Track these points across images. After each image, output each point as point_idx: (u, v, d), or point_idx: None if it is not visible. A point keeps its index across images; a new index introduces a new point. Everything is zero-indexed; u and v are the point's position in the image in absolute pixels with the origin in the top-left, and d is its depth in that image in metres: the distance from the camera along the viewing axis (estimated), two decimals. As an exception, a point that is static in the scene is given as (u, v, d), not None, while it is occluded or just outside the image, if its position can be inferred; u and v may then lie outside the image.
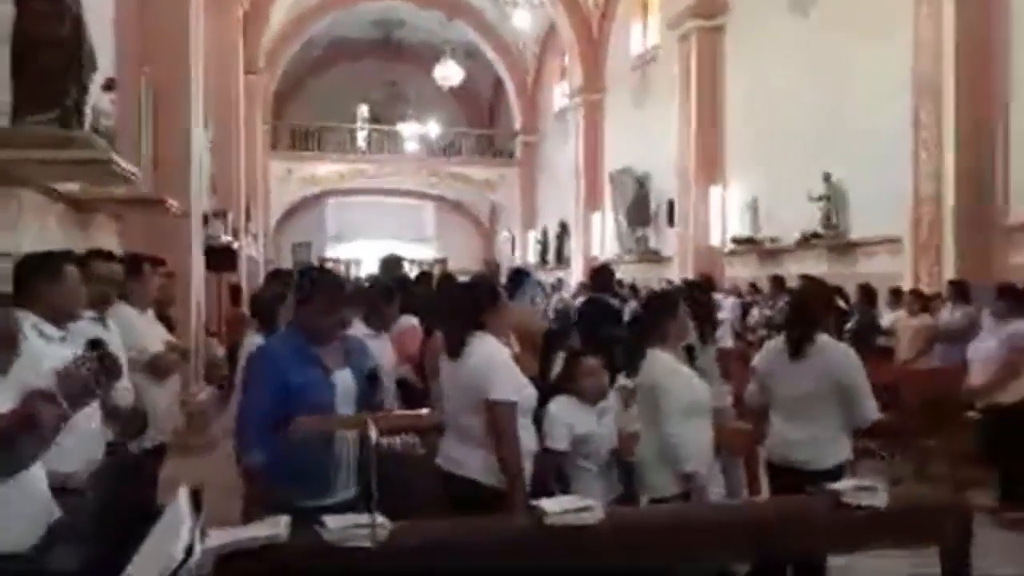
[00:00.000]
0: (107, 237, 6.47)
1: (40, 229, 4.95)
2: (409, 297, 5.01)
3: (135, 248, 6.13)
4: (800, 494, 3.06)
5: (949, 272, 8.16)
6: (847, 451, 3.55)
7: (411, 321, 4.79)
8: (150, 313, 4.28)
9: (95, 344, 2.04)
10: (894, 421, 6.73)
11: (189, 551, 0.91)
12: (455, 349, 3.06)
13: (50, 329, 2.76)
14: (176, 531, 0.95)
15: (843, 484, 2.97)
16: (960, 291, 7.44)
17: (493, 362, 2.99)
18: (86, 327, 3.16)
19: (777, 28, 11.85)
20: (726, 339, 5.27)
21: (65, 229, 5.48)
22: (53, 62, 3.84)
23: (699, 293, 5.37)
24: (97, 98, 4.61)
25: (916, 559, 3.08)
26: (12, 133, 4.01)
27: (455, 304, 3.21)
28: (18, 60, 3.84)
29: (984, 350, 5.52)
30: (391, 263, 6.19)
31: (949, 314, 7.50)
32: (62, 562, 2.05)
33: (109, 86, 4.98)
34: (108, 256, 3.88)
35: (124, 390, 3.11)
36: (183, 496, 1.05)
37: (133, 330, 3.80)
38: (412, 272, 9.48)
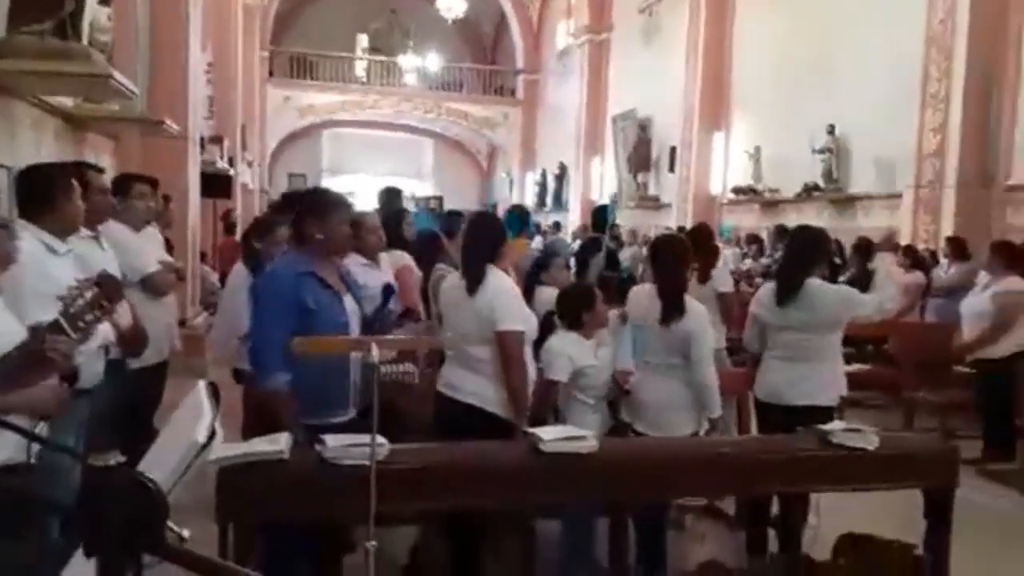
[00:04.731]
0: (102, 156, 6.38)
1: (36, 144, 4.88)
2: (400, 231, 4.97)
3: (131, 169, 6.07)
4: (789, 433, 3.12)
5: (948, 229, 8.17)
6: (840, 389, 3.63)
7: (407, 259, 4.73)
8: (149, 231, 4.25)
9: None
10: (885, 373, 6.86)
11: (211, 435, 0.92)
12: (474, 284, 3.07)
13: (57, 244, 2.73)
14: (197, 416, 0.96)
15: (832, 425, 3.03)
16: (957, 248, 7.47)
17: (506, 295, 3.06)
18: (83, 244, 3.14)
19: (791, -27, 11.57)
20: (727, 284, 5.30)
21: (61, 145, 5.40)
22: (50, -32, 3.72)
23: (700, 236, 5.38)
24: (94, 12, 4.48)
25: (901, 498, 3.15)
26: (6, 43, 3.92)
27: (476, 240, 3.19)
28: (14, -35, 3.72)
29: (976, 305, 5.56)
30: (391, 195, 6.11)
31: (945, 271, 7.55)
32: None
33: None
34: (98, 170, 3.84)
35: (122, 309, 3.10)
36: (201, 387, 1.05)
37: (126, 248, 3.77)
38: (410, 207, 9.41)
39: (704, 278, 4.90)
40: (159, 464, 0.90)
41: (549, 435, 2.69)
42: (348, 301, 2.85)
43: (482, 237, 3.19)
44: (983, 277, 5.82)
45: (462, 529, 2.97)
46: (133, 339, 3.20)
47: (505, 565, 3.13)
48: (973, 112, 8.14)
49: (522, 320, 3.06)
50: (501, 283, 3.09)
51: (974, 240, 7.36)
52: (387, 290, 3.16)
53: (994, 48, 8.09)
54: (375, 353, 2.25)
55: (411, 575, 3.25)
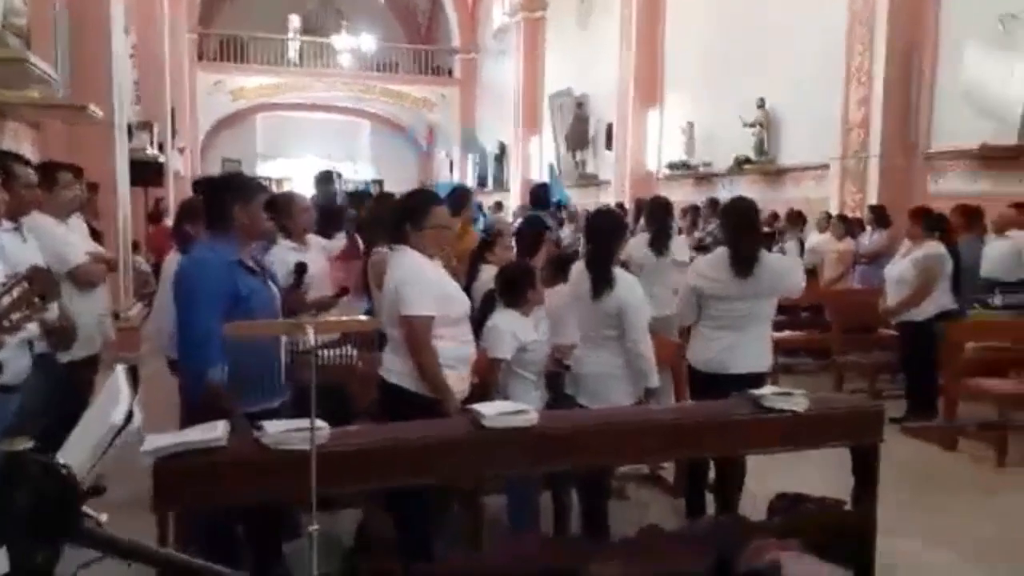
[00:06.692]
0: (23, 144, 6.14)
1: (-51, 133, 4.68)
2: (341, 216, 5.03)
3: (55, 157, 5.86)
4: (723, 399, 3.23)
5: (872, 198, 8.45)
6: (770, 356, 3.76)
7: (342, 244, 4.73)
8: (73, 221, 4.13)
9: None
10: (817, 338, 7.10)
11: (129, 417, 0.92)
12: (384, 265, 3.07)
13: None
14: (114, 400, 0.96)
15: (764, 390, 3.14)
16: (879, 215, 7.76)
17: (410, 278, 2.95)
18: (3, 237, 3.04)
19: (720, -51, 11.72)
20: (685, 254, 5.45)
21: (-23, 134, 5.20)
22: (-44, -52, 3.56)
23: (656, 208, 5.49)
24: (6, -7, 4.31)
25: (831, 456, 3.29)
26: (-87, 27, 3.75)
27: (381, 220, 3.21)
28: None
29: (898, 271, 5.78)
30: (323, 179, 6.18)
31: (869, 238, 7.83)
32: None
33: (19, -20, 4.65)
34: (24, 161, 3.71)
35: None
36: (120, 371, 1.04)
37: (52, 239, 3.66)
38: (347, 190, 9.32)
39: (661, 250, 5.05)
40: (77, 449, 0.90)
41: (490, 411, 2.73)
42: (270, 285, 2.87)
43: (386, 217, 3.20)
44: (905, 243, 6.06)
45: (407, 506, 2.99)
46: (61, 333, 3.12)
47: (452, 539, 3.17)
48: (894, 84, 8.41)
49: (429, 304, 2.92)
50: (408, 264, 2.97)
51: (898, 208, 7.64)
52: (300, 267, 3.33)
53: (913, 22, 8.36)
54: (311, 336, 2.24)
55: (358, 556, 3.27)
